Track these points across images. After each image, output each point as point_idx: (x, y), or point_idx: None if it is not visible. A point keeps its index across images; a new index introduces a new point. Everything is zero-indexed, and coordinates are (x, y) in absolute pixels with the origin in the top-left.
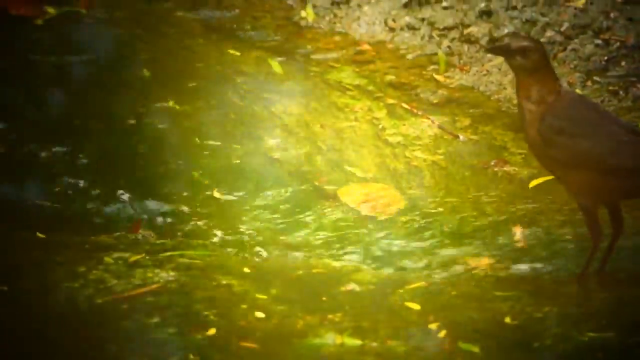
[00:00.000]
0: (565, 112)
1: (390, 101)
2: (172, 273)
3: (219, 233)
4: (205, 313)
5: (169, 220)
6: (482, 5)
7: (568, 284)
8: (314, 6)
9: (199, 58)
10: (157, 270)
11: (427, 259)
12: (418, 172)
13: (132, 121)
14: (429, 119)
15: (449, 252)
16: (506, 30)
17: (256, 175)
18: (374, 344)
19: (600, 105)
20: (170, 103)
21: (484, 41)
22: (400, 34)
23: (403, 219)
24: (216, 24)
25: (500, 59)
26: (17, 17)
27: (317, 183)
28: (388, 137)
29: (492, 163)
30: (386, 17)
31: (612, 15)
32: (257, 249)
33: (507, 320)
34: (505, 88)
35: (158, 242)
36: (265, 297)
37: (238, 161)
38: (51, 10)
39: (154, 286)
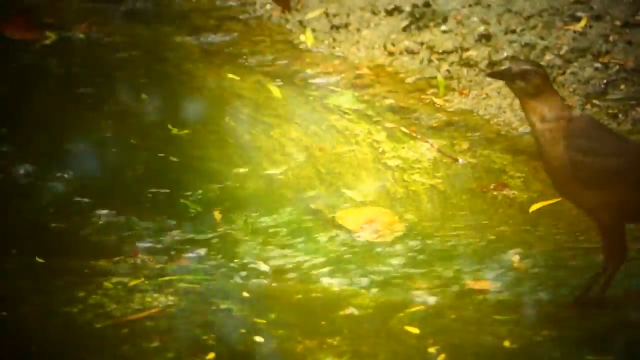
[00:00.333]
0: (587, 132)
1: (390, 125)
2: (171, 297)
3: (218, 257)
4: (204, 337)
5: (168, 244)
6: (481, 29)
7: (567, 307)
8: (313, 30)
9: (198, 82)
10: (156, 295)
11: (426, 283)
12: (417, 195)
13: (132, 144)
14: (428, 142)
15: (447, 275)
16: (505, 54)
17: (256, 199)
18: None
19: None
20: (169, 127)
21: (483, 65)
22: (400, 58)
23: (402, 242)
24: (215, 49)
25: (499, 83)
26: (17, 41)
27: (315, 207)
28: (387, 161)
29: (492, 187)
30: (385, 41)
31: (611, 38)
32: (256, 272)
33: (506, 343)
34: (504, 112)
35: (157, 266)
36: (264, 321)
37: (237, 185)
38: (51, 34)
39: (153, 311)
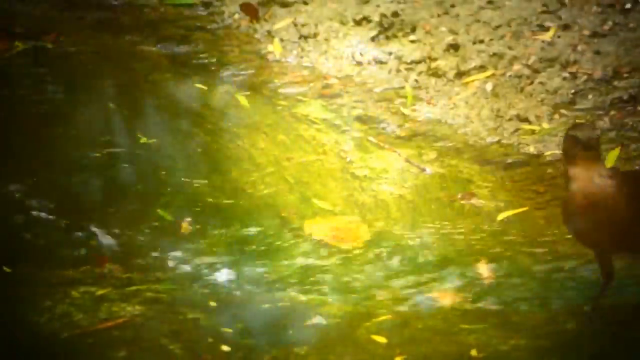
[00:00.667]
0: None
1: (358, 134)
2: (138, 307)
3: (186, 267)
4: (171, 347)
5: (135, 254)
6: (450, 38)
7: (534, 316)
8: (282, 40)
9: (166, 92)
10: (123, 304)
11: (393, 292)
12: (385, 205)
13: (98, 155)
14: (395, 152)
15: (415, 285)
16: (473, 64)
17: (224, 208)
18: None
19: None
20: (137, 137)
21: (451, 75)
22: (368, 68)
23: (369, 252)
24: (183, 58)
25: (467, 92)
26: None
27: (284, 216)
28: (355, 171)
29: (459, 196)
30: (353, 51)
31: (579, 48)
32: (224, 282)
33: (474, 353)
34: (472, 121)
35: (124, 276)
36: (230, 330)
37: (206, 195)
38: (19, 44)
39: (120, 320)
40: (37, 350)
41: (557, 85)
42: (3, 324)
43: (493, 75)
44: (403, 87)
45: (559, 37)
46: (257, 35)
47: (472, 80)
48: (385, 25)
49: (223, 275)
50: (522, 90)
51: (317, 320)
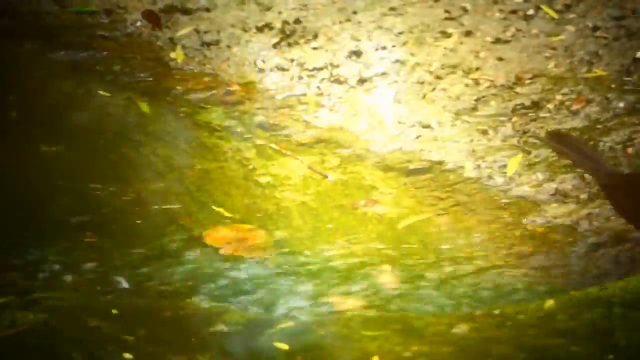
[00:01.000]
0: None
1: (260, 142)
2: (40, 315)
3: (87, 275)
4: (73, 355)
5: (37, 261)
6: (352, 45)
7: (436, 322)
8: (184, 47)
9: (68, 99)
10: (25, 312)
11: (296, 299)
12: (288, 212)
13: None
14: (298, 159)
15: (317, 292)
16: (375, 71)
17: (125, 215)
18: None
19: None
20: (39, 145)
21: (353, 81)
22: (270, 75)
23: (272, 259)
24: (85, 66)
25: (370, 99)
26: None
27: (185, 224)
28: (257, 178)
29: (362, 203)
30: (256, 57)
31: (482, 55)
32: (125, 289)
33: (375, 359)
34: (374, 128)
35: (26, 283)
36: (132, 338)
37: (107, 202)
38: None
39: (22, 328)
40: None
41: (459, 92)
42: None
43: (395, 82)
44: (305, 94)
45: (461, 43)
46: (159, 43)
47: (375, 87)
48: (288, 32)
49: (124, 283)
50: (424, 96)
51: (220, 327)
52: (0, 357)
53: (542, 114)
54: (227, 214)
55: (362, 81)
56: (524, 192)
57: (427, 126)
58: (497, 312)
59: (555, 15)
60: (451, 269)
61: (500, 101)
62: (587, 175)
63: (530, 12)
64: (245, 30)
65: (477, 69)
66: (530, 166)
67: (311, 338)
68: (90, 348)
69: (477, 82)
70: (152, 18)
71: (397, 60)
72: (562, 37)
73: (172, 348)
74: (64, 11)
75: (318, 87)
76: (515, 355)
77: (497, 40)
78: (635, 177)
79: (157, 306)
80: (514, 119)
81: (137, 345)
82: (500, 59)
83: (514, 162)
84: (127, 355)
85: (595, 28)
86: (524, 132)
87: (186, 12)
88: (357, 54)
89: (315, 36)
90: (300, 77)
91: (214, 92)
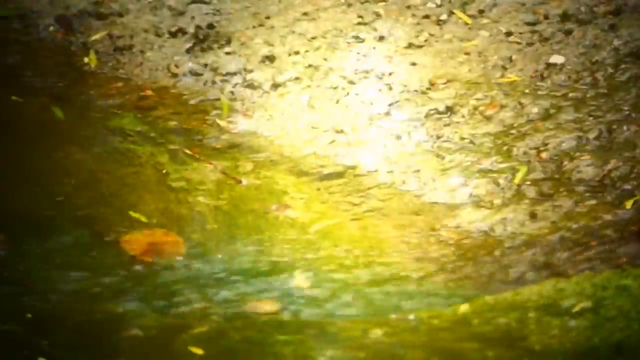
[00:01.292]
0: None
1: (173, 147)
2: None
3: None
4: None
5: None
6: (265, 50)
7: (350, 327)
8: (97, 52)
9: None
10: None
11: (210, 304)
12: (201, 217)
13: None
14: (211, 164)
15: (231, 296)
16: (289, 76)
17: (39, 221)
18: None
19: None
20: None
21: (266, 86)
22: (183, 80)
23: (186, 264)
24: None
25: (284, 104)
26: None
27: (99, 229)
28: (171, 183)
29: (274, 207)
30: (169, 62)
31: (395, 60)
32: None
33: None
34: (288, 133)
35: None
36: (47, 342)
37: (19, 207)
38: None
39: None
40: None
41: (372, 97)
42: None
43: (309, 86)
44: (219, 99)
45: (374, 48)
46: (72, 48)
47: (288, 92)
48: (201, 37)
49: (37, 288)
50: (337, 101)
51: (134, 332)
52: None
53: (455, 119)
54: (142, 219)
55: (275, 86)
56: (438, 197)
57: (341, 131)
58: (411, 316)
59: (468, 21)
60: (365, 274)
61: (414, 106)
62: (501, 180)
63: (444, 17)
64: (158, 35)
65: (391, 74)
66: (444, 171)
67: (226, 343)
68: (1, 352)
69: (390, 87)
70: (65, 23)
71: (310, 65)
72: (475, 42)
73: (86, 352)
74: None
75: (231, 92)
76: (429, 359)
77: (410, 45)
78: None
79: (72, 311)
80: (428, 124)
81: (52, 350)
82: (413, 64)
83: (428, 167)
84: (41, 359)
85: (508, 33)
86: (438, 137)
87: (99, 17)
88: (270, 58)
89: (229, 41)
90: (214, 82)
91: (127, 97)
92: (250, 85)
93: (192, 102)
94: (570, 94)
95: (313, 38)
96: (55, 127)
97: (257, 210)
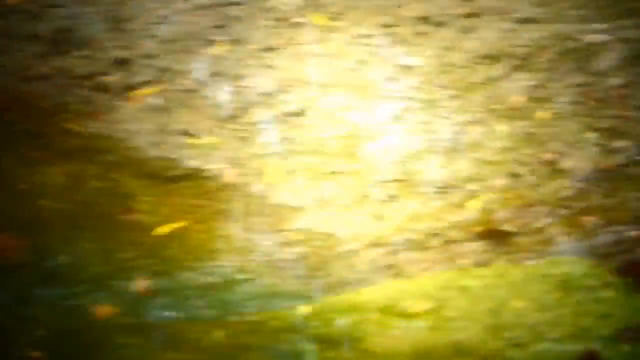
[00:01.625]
0: None
1: (22, 150)
2: None
3: None
4: None
5: None
6: (119, 53)
7: (190, 329)
8: None
9: None
10: None
11: (50, 309)
12: (46, 220)
13: None
14: (59, 167)
15: (73, 299)
16: (140, 79)
17: None
18: None
19: None
20: None
21: (118, 89)
22: (34, 84)
23: (27, 266)
24: None
25: (133, 108)
26: None
27: None
28: (17, 186)
29: (119, 211)
30: (22, 66)
31: (249, 62)
32: None
33: None
34: (136, 135)
35: None
36: None
37: None
38: None
39: None
40: None
41: (223, 100)
42: None
43: (160, 90)
44: (70, 103)
45: (229, 51)
46: None
47: (139, 95)
48: (56, 41)
49: None
50: (188, 104)
51: None
52: None
53: (306, 122)
54: None
55: (126, 89)
56: (284, 198)
57: (189, 134)
58: (251, 318)
59: (324, 23)
60: (208, 276)
61: (264, 109)
62: (347, 182)
63: (300, 20)
64: (11, 38)
65: (243, 76)
66: (290, 173)
67: (66, 346)
68: None
69: (241, 90)
70: None
71: (162, 68)
72: (330, 44)
73: None
74: None
75: (82, 96)
76: None
77: (266, 49)
78: None
79: None
80: (277, 126)
81: None
82: (268, 67)
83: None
84: None
85: (364, 36)
86: (286, 139)
87: None
88: (124, 61)
89: (84, 45)
90: (66, 86)
91: None
92: (102, 89)
93: (42, 105)
94: (422, 96)
95: (167, 41)
96: None
97: (102, 214)
